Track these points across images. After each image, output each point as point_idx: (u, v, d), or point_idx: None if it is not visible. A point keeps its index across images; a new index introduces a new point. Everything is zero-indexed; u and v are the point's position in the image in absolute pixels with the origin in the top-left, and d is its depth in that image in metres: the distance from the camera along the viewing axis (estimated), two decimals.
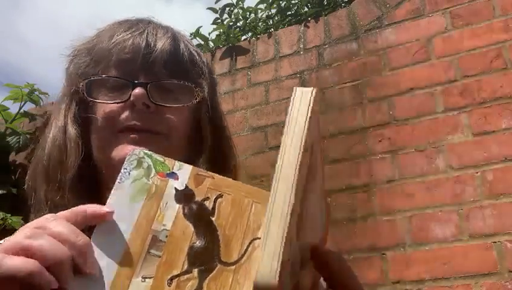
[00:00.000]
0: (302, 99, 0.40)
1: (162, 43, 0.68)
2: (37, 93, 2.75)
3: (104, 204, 0.53)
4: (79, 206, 0.45)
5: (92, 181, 0.68)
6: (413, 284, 1.66)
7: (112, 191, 0.46)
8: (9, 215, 2.31)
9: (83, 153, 0.66)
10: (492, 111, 1.75)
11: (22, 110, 2.78)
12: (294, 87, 0.41)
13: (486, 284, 1.55)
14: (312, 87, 0.41)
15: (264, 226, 0.34)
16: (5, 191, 2.48)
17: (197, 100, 0.70)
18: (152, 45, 0.67)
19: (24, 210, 2.46)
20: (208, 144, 0.72)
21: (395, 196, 1.80)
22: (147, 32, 0.69)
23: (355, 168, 1.92)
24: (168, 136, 0.67)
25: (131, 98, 0.64)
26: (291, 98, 0.41)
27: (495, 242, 1.59)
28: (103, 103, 0.66)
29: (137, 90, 0.64)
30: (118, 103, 0.66)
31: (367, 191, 1.87)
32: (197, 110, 0.72)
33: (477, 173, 1.70)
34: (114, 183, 0.66)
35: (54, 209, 0.64)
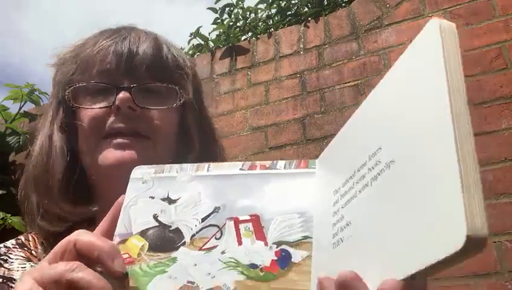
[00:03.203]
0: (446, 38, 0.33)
1: (144, 47, 0.69)
2: (37, 93, 2.75)
3: (98, 210, 0.54)
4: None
5: (84, 187, 0.69)
6: None
7: None
8: (9, 215, 2.31)
9: (68, 159, 0.67)
10: (492, 111, 1.75)
11: (22, 110, 2.78)
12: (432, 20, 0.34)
13: (486, 284, 1.55)
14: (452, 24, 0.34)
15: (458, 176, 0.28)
16: (5, 191, 2.48)
17: (181, 102, 0.71)
18: (134, 49, 0.68)
19: None
20: (195, 144, 0.73)
21: None
22: (129, 38, 0.70)
23: None
24: (154, 139, 0.68)
25: (116, 102, 0.65)
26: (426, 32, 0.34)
27: (495, 242, 1.58)
28: (88, 108, 0.67)
29: (122, 94, 0.65)
30: (102, 108, 0.66)
31: None
32: (183, 112, 0.73)
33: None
34: (104, 190, 0.66)
35: (46, 215, 0.66)
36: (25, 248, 0.68)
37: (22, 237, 0.70)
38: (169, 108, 0.70)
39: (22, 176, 0.72)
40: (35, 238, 0.70)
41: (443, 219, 0.29)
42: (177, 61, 0.73)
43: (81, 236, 0.43)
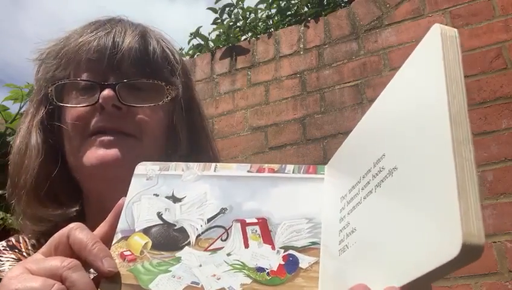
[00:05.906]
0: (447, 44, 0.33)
1: (128, 41, 0.65)
2: None
3: (83, 212, 0.55)
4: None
5: (68, 187, 0.66)
6: None
7: None
8: (9, 215, 2.31)
9: (42, 158, 0.64)
10: (492, 111, 1.75)
11: (22, 110, 2.78)
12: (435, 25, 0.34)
13: (486, 284, 1.55)
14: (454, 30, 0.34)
15: (454, 183, 0.28)
16: (5, 191, 2.48)
17: (168, 99, 0.67)
18: (118, 44, 0.65)
19: None
20: (183, 142, 0.70)
21: None
22: (115, 32, 0.66)
23: None
24: (141, 138, 0.65)
25: (100, 101, 0.62)
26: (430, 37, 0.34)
27: (495, 242, 1.59)
28: (71, 106, 0.64)
29: (106, 92, 0.62)
30: (86, 106, 0.63)
31: None
32: (172, 109, 0.70)
33: (477, 173, 1.69)
34: (88, 189, 0.63)
35: (26, 216, 0.64)
36: (16, 250, 0.66)
37: (12, 239, 0.68)
38: (156, 105, 0.66)
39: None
40: (26, 240, 0.68)
41: (440, 227, 0.29)
42: (166, 55, 0.70)
43: (73, 231, 0.42)
